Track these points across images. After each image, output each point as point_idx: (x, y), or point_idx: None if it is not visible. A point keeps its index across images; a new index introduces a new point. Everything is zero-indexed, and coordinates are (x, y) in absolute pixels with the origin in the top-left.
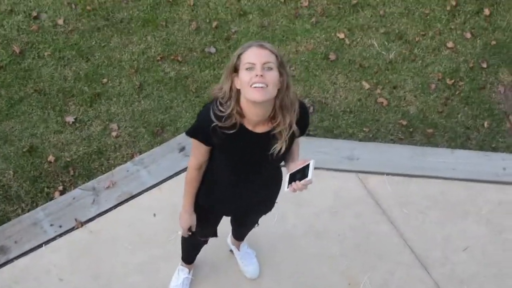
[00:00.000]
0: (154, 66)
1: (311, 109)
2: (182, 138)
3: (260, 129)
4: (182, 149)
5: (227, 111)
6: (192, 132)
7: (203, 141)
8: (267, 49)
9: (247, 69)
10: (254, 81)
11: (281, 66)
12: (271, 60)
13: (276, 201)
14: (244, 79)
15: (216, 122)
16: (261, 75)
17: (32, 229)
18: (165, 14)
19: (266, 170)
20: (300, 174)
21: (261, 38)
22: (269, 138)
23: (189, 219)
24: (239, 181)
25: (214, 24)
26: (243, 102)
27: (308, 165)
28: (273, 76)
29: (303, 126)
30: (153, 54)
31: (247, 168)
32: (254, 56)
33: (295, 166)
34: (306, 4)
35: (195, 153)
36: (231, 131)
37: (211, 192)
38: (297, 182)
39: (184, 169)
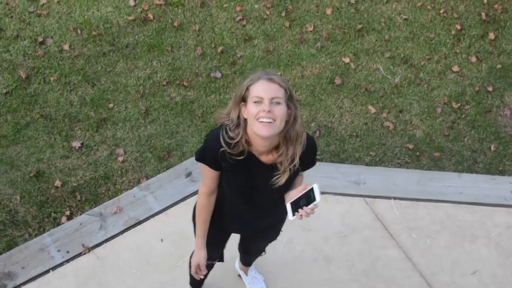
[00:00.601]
0: (160, 91)
1: (317, 134)
2: (189, 164)
3: (265, 159)
4: (189, 174)
5: (235, 139)
6: (201, 157)
7: (212, 165)
8: (276, 83)
9: (255, 102)
10: (261, 115)
11: (289, 100)
12: (279, 95)
13: (282, 229)
14: (251, 112)
15: (225, 148)
16: (269, 111)
17: (39, 255)
18: (170, 39)
19: (270, 197)
20: (305, 200)
21: (266, 63)
22: (272, 168)
23: (199, 255)
24: (244, 206)
25: (220, 49)
26: (250, 132)
27: (311, 190)
28: (280, 111)
29: (308, 161)
30: (159, 79)
31: (253, 193)
32: (263, 90)
33: (296, 193)
34: (311, 29)
35: (205, 179)
36: (239, 158)
37: (218, 210)
38: (304, 208)
39: (191, 195)
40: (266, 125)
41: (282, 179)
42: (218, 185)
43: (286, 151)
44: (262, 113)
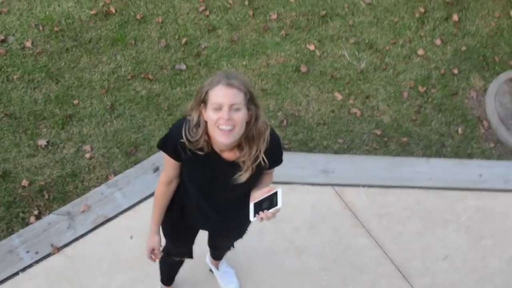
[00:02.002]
0: (125, 85)
1: (284, 122)
2: (156, 158)
3: (227, 156)
4: (156, 169)
5: (195, 137)
6: (162, 145)
7: (172, 155)
8: (235, 88)
9: (214, 109)
10: (220, 123)
11: (250, 102)
12: (238, 101)
13: (247, 229)
14: (211, 118)
15: (185, 141)
16: (228, 118)
17: (8, 257)
18: (133, 33)
19: (232, 194)
20: (268, 203)
21: (231, 53)
22: (234, 166)
23: (152, 240)
24: (206, 201)
25: (184, 40)
26: (211, 132)
27: (275, 194)
28: (240, 116)
29: (273, 159)
30: (124, 73)
31: (212, 190)
32: (222, 97)
33: (261, 193)
34: (275, 17)
35: (166, 166)
36: (200, 153)
37: (183, 203)
38: (265, 211)
39: None
40: (226, 132)
41: (243, 177)
42: (181, 181)
43: (249, 150)
44: (221, 120)
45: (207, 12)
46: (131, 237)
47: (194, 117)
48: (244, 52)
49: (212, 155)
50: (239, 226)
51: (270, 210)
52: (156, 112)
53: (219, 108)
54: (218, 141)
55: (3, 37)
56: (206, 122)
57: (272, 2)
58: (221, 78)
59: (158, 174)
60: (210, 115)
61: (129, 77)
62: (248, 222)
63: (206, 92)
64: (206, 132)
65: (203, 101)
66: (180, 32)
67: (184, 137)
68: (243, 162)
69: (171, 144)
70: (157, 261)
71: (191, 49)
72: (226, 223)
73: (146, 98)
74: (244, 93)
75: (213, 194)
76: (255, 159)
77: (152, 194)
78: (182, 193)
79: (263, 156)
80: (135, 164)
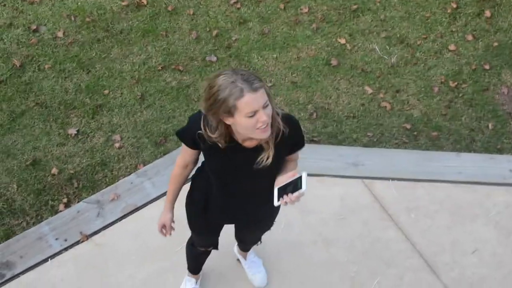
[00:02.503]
0: (155, 76)
1: (314, 115)
2: None
3: (248, 144)
4: None
5: (214, 135)
6: (180, 134)
7: (189, 144)
8: (259, 88)
9: (249, 116)
10: (260, 125)
11: (267, 91)
12: (266, 98)
13: (275, 221)
14: (249, 125)
15: (204, 134)
16: (266, 118)
17: (37, 244)
18: (164, 24)
19: (256, 185)
20: (292, 187)
21: (262, 46)
22: (257, 150)
23: (164, 217)
24: (229, 191)
25: (214, 32)
26: (234, 128)
27: (299, 178)
28: (271, 110)
29: (295, 141)
30: (154, 64)
31: (235, 180)
32: (255, 104)
33: (285, 178)
34: (306, 10)
35: (183, 151)
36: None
37: (207, 195)
38: (290, 194)
39: (188, 180)
40: (264, 130)
41: (267, 158)
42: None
43: (271, 128)
44: (260, 123)
45: (238, 5)
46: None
47: (212, 123)
48: (274, 45)
49: (232, 146)
50: (265, 218)
51: (294, 194)
52: (186, 103)
53: (254, 114)
54: (257, 138)
55: (35, 27)
56: (227, 125)
57: None
58: (244, 86)
59: None
60: (245, 122)
61: (160, 68)
62: (274, 214)
63: (234, 105)
64: (226, 131)
65: (230, 112)
66: (211, 24)
67: (203, 131)
68: (266, 142)
69: (189, 135)
70: (183, 249)
71: (221, 41)
72: (252, 215)
73: (176, 89)
74: (264, 87)
75: (235, 183)
76: (277, 136)
77: None
78: (206, 184)
79: (283, 126)
80: (164, 154)
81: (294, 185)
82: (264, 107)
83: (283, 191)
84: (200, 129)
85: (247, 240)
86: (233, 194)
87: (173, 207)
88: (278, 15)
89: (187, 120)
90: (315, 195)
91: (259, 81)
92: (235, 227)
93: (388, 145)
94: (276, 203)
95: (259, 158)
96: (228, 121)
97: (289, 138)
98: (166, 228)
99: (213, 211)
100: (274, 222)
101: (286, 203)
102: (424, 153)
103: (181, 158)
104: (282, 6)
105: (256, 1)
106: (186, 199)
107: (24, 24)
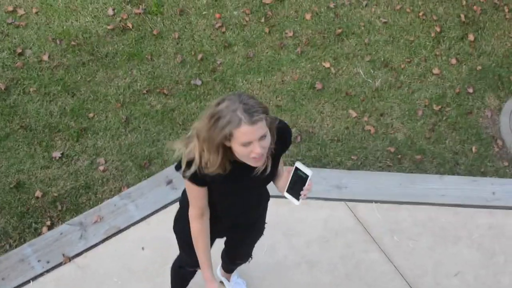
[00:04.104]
0: (140, 99)
1: (298, 139)
2: (170, 171)
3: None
4: (170, 182)
5: (211, 169)
6: (190, 179)
7: (200, 183)
8: (258, 121)
9: (244, 145)
10: (253, 155)
11: (267, 121)
12: (264, 130)
13: (266, 222)
14: (243, 153)
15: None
16: (261, 149)
17: (19, 266)
18: (150, 48)
19: (255, 191)
20: (298, 181)
21: (247, 69)
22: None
23: (213, 285)
24: (231, 205)
25: (199, 56)
26: (241, 159)
27: (296, 169)
28: (268, 141)
29: (288, 143)
30: (139, 88)
31: (238, 193)
32: (250, 135)
33: (285, 180)
34: (291, 34)
35: (194, 200)
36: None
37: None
38: (304, 188)
39: (172, 202)
40: (258, 159)
41: (267, 170)
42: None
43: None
44: (253, 153)
45: (223, 29)
46: (143, 249)
47: (209, 159)
48: (259, 69)
49: (236, 168)
50: (259, 221)
51: (308, 183)
52: (171, 127)
53: (249, 144)
54: (251, 165)
55: (20, 50)
56: (225, 151)
57: (288, 20)
58: (243, 115)
59: (172, 186)
60: (240, 150)
61: (145, 91)
62: (265, 213)
63: (230, 133)
64: (226, 159)
65: (226, 138)
66: (196, 48)
67: (200, 167)
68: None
69: (194, 175)
70: (169, 272)
71: (206, 65)
72: (248, 219)
73: (161, 112)
74: (265, 118)
75: (242, 199)
76: (272, 151)
77: (164, 206)
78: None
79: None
80: (148, 177)
81: (298, 178)
82: (260, 139)
83: (293, 190)
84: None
85: (240, 253)
86: (233, 204)
87: (212, 270)
88: (263, 39)
89: (179, 167)
90: (299, 217)
91: (261, 113)
92: (228, 240)
93: (372, 168)
94: (297, 203)
95: (257, 170)
96: (227, 143)
97: (284, 146)
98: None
99: (212, 221)
100: (265, 227)
101: (305, 196)
102: (408, 175)
103: (194, 208)
104: (267, 30)
105: (241, 25)
106: (178, 219)
107: (9, 48)
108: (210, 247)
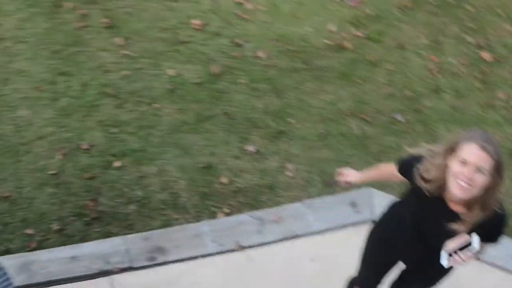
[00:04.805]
0: (341, 119)
1: None
2: (356, 195)
3: (452, 206)
4: (354, 204)
5: (429, 177)
6: (400, 161)
7: (401, 170)
8: (487, 153)
9: (460, 162)
10: (460, 177)
11: (495, 171)
12: (486, 166)
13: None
14: (453, 169)
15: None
16: (469, 178)
17: (194, 239)
18: (362, 72)
19: (439, 239)
20: (462, 248)
21: (451, 119)
22: (454, 216)
23: (353, 173)
24: (415, 233)
25: (407, 93)
26: (447, 180)
27: (470, 243)
28: (481, 181)
29: (489, 234)
30: (343, 108)
31: (424, 227)
32: (472, 155)
33: (456, 243)
34: (502, 96)
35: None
36: (427, 191)
37: (394, 231)
38: (459, 253)
39: (352, 224)
40: (462, 187)
41: (458, 230)
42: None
43: (472, 213)
44: (462, 175)
45: (437, 73)
46: (312, 260)
47: (439, 162)
48: (463, 121)
49: (437, 199)
50: (433, 272)
51: (468, 253)
52: (364, 154)
53: (464, 164)
54: (451, 191)
55: (240, 42)
56: (447, 167)
57: (503, 81)
58: (478, 137)
59: (356, 210)
60: (454, 165)
61: (348, 113)
62: (442, 273)
63: (459, 144)
64: (443, 177)
65: (453, 149)
66: (405, 84)
67: (419, 171)
68: (465, 221)
69: (406, 165)
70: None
71: (412, 104)
72: (426, 267)
73: (357, 137)
74: (495, 161)
75: (424, 231)
76: (474, 225)
77: (344, 226)
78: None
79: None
80: (332, 194)
81: (464, 246)
82: (477, 170)
83: (453, 252)
84: (418, 167)
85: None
86: (418, 237)
87: (362, 179)
88: (473, 93)
89: (409, 156)
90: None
91: (493, 152)
92: (402, 271)
93: None
94: (445, 263)
95: (451, 224)
96: (447, 160)
97: (486, 229)
98: (343, 178)
99: (398, 245)
100: (438, 283)
101: (456, 261)
102: None
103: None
104: (479, 85)
105: (455, 74)
106: (374, 229)
107: (230, 36)
108: (377, 177)
